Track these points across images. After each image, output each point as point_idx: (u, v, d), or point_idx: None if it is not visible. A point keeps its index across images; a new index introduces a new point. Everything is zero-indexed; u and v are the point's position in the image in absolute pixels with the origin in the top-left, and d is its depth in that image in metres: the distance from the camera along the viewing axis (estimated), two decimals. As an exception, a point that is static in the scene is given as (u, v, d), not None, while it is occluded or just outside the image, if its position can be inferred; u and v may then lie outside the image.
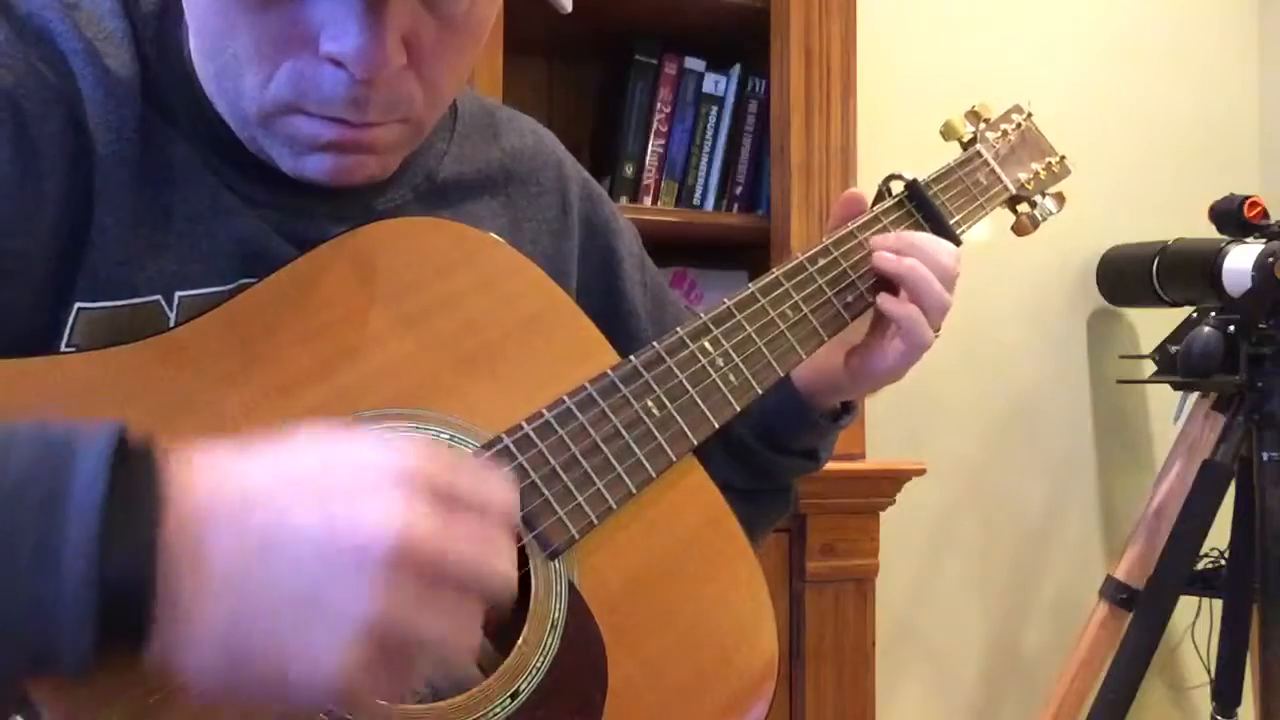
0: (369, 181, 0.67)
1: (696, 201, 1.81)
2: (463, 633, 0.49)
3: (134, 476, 0.45)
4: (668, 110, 1.78)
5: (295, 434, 0.50)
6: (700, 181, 1.81)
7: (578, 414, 0.68)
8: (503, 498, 0.51)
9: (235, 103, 0.64)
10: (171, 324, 0.64)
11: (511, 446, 0.65)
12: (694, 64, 1.79)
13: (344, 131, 0.63)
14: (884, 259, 0.83)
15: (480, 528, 0.49)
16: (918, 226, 0.88)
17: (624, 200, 1.74)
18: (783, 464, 0.89)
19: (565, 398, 0.68)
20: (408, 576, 0.46)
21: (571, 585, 0.66)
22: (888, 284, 0.84)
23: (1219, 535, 1.94)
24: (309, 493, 0.47)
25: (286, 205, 0.69)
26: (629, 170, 1.76)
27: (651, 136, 1.77)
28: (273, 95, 0.62)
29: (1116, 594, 1.98)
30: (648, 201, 1.77)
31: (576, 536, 0.66)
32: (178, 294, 0.64)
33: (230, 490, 0.47)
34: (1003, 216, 0.99)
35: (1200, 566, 1.99)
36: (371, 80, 0.60)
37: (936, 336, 0.83)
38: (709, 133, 1.81)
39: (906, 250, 0.83)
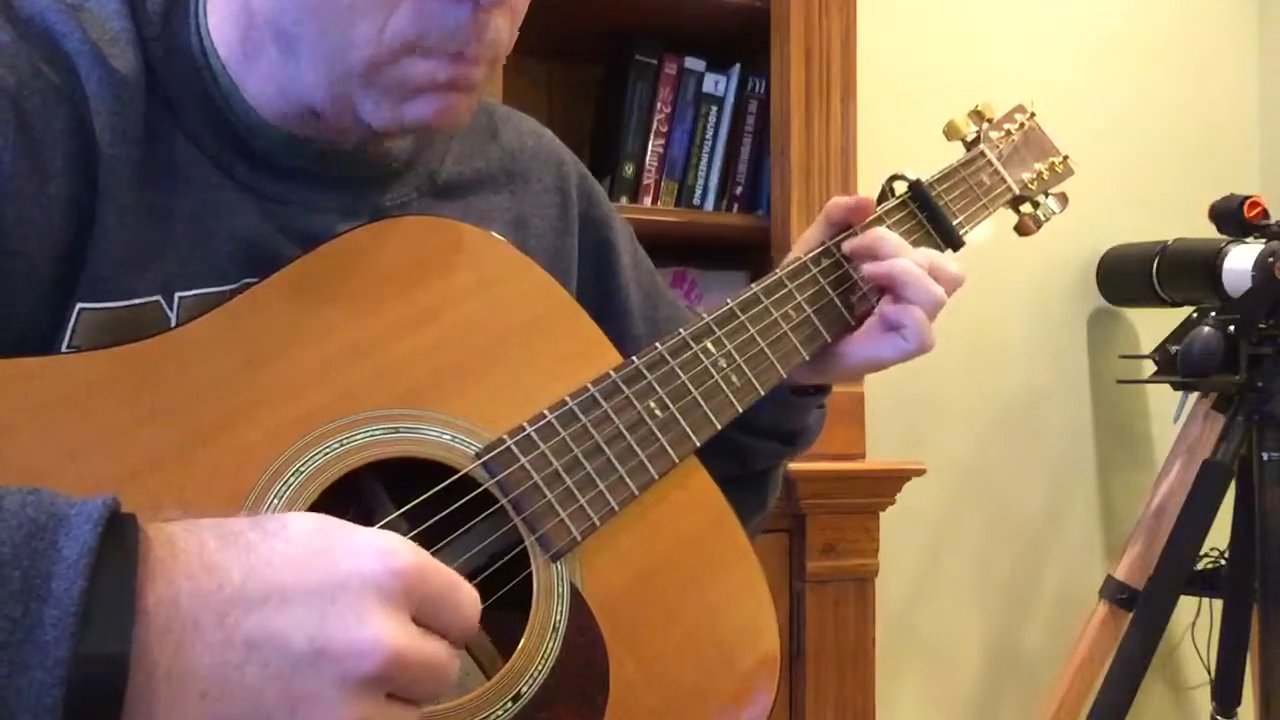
0: (459, 128, 0.70)
1: (696, 201, 1.80)
2: None
3: (117, 572, 0.44)
4: (668, 110, 1.78)
5: (278, 525, 0.49)
6: (700, 181, 1.80)
7: (580, 415, 0.68)
8: (470, 615, 0.51)
9: (339, 58, 0.64)
10: (173, 324, 0.64)
11: (514, 448, 0.65)
12: (694, 64, 1.79)
13: (458, 68, 0.65)
14: (871, 266, 0.83)
15: (443, 645, 0.50)
16: (921, 227, 0.88)
17: (624, 200, 1.74)
18: (757, 447, 0.88)
19: (568, 399, 0.68)
20: (385, 689, 0.47)
21: (573, 587, 0.66)
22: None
23: (1219, 535, 1.93)
24: (299, 601, 0.46)
25: (294, 199, 0.69)
26: (629, 170, 1.76)
27: (651, 136, 1.77)
28: (390, 38, 0.63)
29: (1116, 594, 1.98)
30: (648, 201, 1.77)
31: (579, 538, 0.66)
32: (177, 294, 0.64)
33: (219, 595, 0.46)
34: (1005, 217, 0.99)
35: (1200, 566, 1.99)
36: (493, 7, 0.62)
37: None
38: (709, 133, 1.81)
39: (883, 251, 0.83)
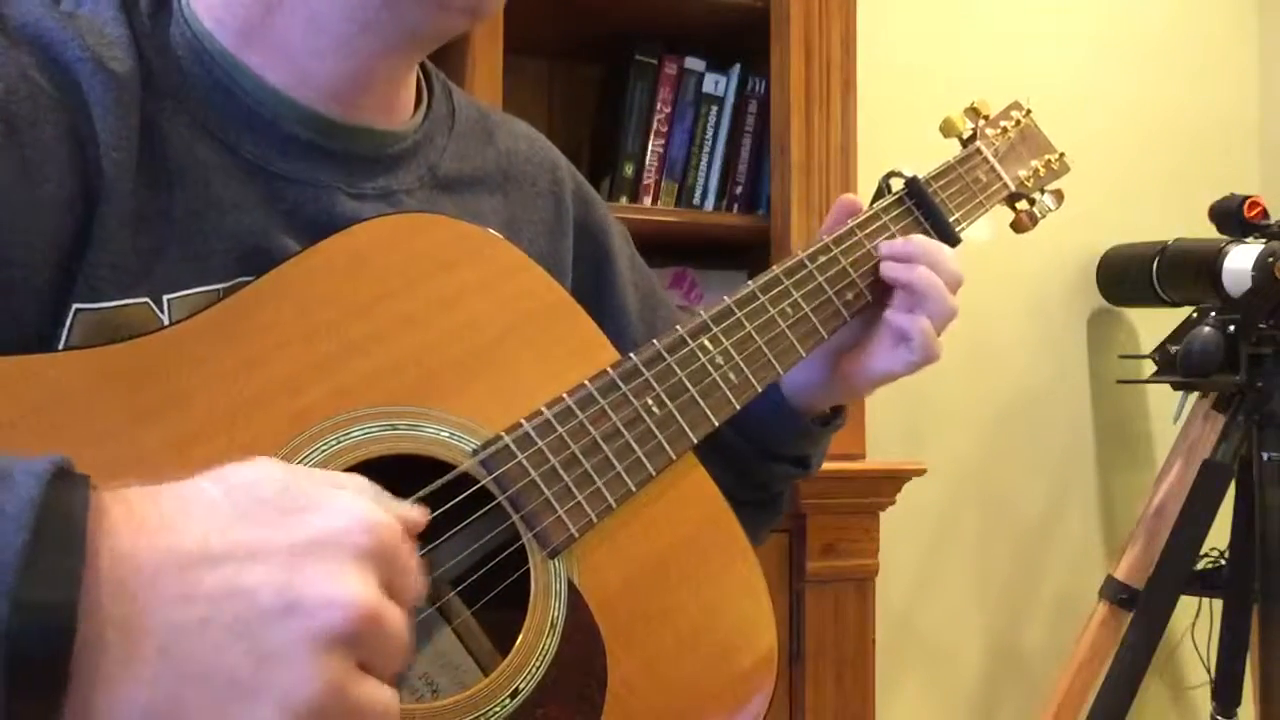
0: (495, 10, 0.71)
1: (696, 201, 1.81)
2: (393, 703, 0.48)
3: (63, 526, 0.43)
4: (668, 110, 1.78)
5: (242, 481, 0.48)
6: (700, 181, 1.81)
7: (577, 412, 0.68)
8: (421, 586, 0.50)
9: None
10: (165, 324, 0.64)
11: (511, 444, 0.65)
12: (694, 64, 1.79)
13: None
14: (893, 268, 0.83)
15: (408, 603, 0.49)
16: (917, 223, 0.88)
17: (624, 200, 1.74)
18: (774, 471, 0.89)
19: (565, 396, 0.68)
20: (356, 652, 0.46)
21: (571, 584, 0.66)
22: (887, 284, 0.84)
23: (1219, 535, 1.93)
24: (267, 557, 0.45)
25: (300, 176, 0.70)
26: (629, 170, 1.76)
27: (651, 136, 1.77)
28: None
29: (1116, 594, 1.98)
30: (648, 201, 1.77)
31: (576, 535, 0.66)
32: (166, 296, 0.64)
33: (180, 549, 0.44)
34: (1002, 215, 0.99)
35: (1200, 566, 1.99)
36: None
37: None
38: (709, 133, 1.81)
39: (915, 257, 0.82)
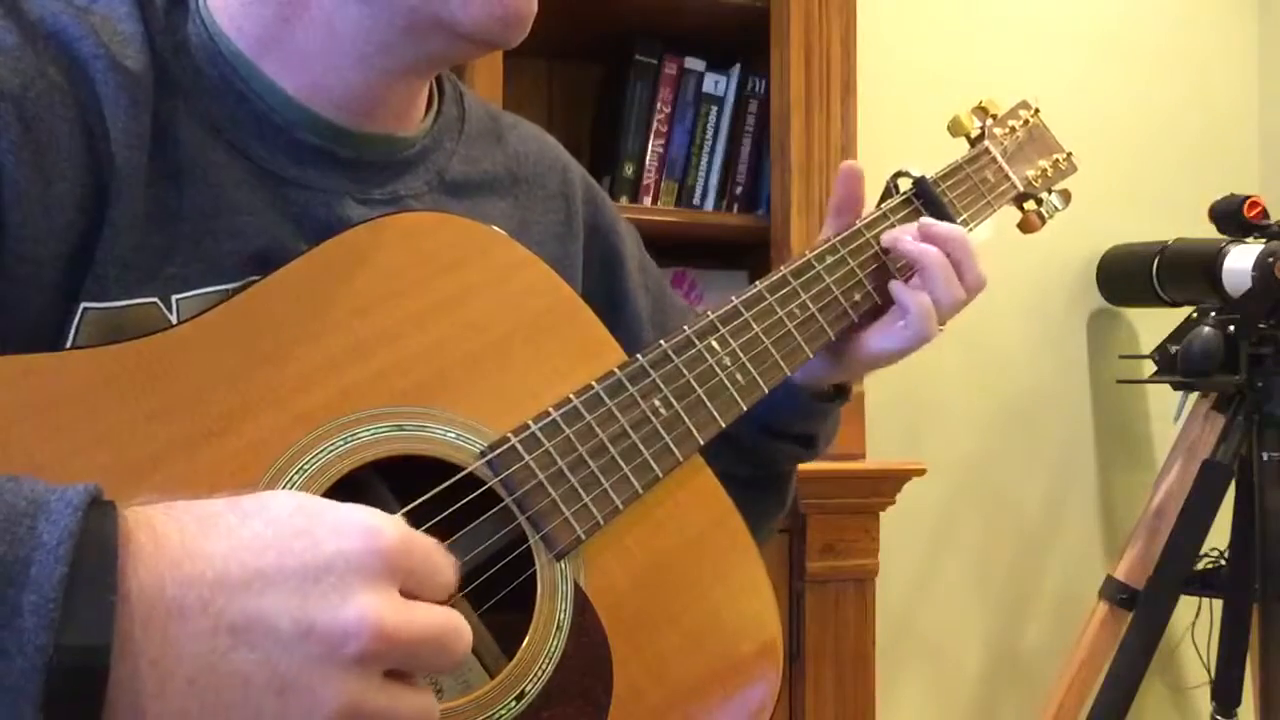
0: (529, 22, 0.73)
1: (696, 201, 1.80)
2: (424, 708, 0.50)
3: (97, 558, 0.44)
4: (668, 110, 1.78)
5: (257, 505, 0.48)
6: (700, 181, 1.80)
7: (584, 413, 0.68)
8: (451, 578, 0.51)
9: None
10: (174, 324, 0.63)
11: (518, 445, 0.65)
12: (694, 64, 1.79)
13: None
14: (904, 241, 0.83)
15: (441, 613, 0.49)
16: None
17: (624, 200, 1.74)
18: (779, 449, 0.88)
19: (572, 396, 0.68)
20: (379, 667, 0.47)
21: (577, 586, 0.65)
22: (894, 278, 0.84)
23: (1219, 535, 1.94)
24: (283, 584, 0.46)
25: (310, 183, 0.70)
26: (629, 170, 1.76)
27: (651, 136, 1.77)
28: None
29: (1116, 594, 1.98)
30: (648, 201, 1.77)
31: (583, 537, 0.66)
32: (175, 296, 0.64)
33: (202, 581, 0.45)
34: (1007, 214, 0.98)
35: (1200, 566, 2.00)
36: None
37: (940, 330, 0.83)
38: (709, 133, 1.81)
39: (932, 239, 0.83)
